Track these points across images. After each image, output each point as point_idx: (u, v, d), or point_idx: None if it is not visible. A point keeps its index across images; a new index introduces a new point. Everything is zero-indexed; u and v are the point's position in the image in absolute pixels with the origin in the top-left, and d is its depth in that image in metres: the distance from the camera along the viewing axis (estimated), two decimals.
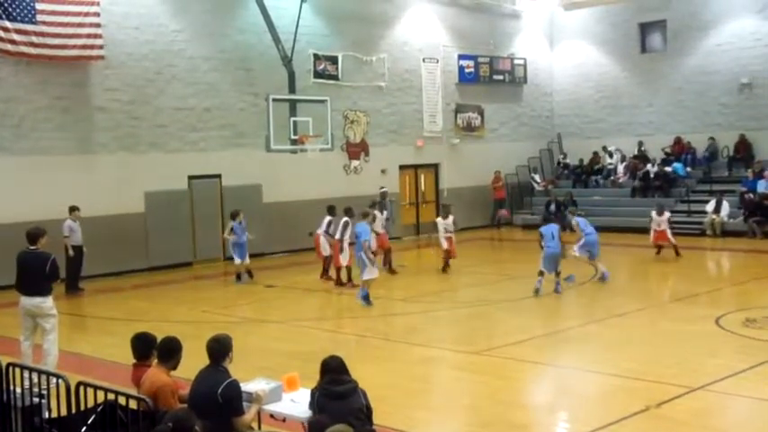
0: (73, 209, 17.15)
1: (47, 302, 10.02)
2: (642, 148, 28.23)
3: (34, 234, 10.08)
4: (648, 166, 27.02)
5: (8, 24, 17.65)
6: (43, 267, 9.90)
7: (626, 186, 27.49)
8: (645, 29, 29.08)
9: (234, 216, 17.79)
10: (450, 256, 18.41)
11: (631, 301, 14.97)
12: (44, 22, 18.16)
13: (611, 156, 28.90)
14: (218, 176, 21.62)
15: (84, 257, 17.27)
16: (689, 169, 26.74)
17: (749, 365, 9.90)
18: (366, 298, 14.54)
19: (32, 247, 10.07)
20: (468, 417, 8.81)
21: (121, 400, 6.01)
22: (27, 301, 10.03)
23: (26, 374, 6.74)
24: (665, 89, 28.29)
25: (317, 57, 23.63)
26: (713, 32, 27.00)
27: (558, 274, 15.28)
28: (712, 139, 26.91)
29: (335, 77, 24.14)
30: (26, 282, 10.07)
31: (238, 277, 18.06)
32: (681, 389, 9.00)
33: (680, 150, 27.47)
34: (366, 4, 25.07)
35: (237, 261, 17.87)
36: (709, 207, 24.17)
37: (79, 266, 17.32)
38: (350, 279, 16.76)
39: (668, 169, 26.56)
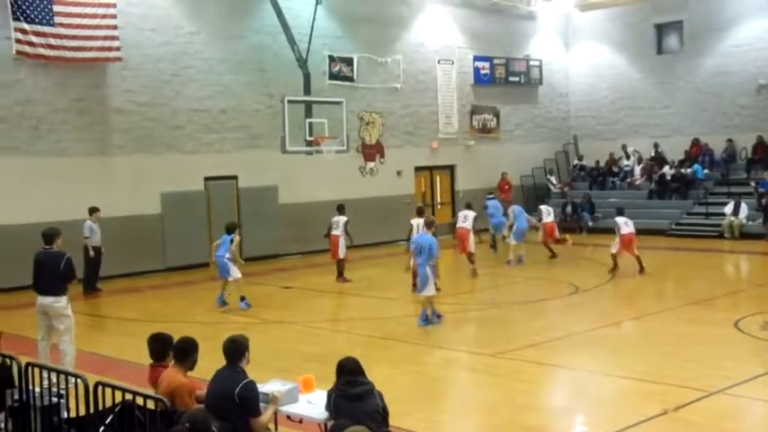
0: (93, 210, 17.26)
1: (60, 302, 10.03)
2: (659, 150, 28.08)
3: (50, 234, 10.16)
4: (665, 168, 26.88)
5: (26, 26, 17.79)
6: (57, 267, 9.94)
7: (643, 188, 27.36)
8: (661, 30, 28.94)
9: (233, 229, 15.27)
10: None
11: (649, 303, 14.89)
12: (62, 24, 18.29)
13: (628, 157, 28.77)
14: (235, 178, 21.70)
15: (102, 258, 17.38)
16: (706, 171, 26.57)
17: None
18: (430, 320, 13.19)
19: (47, 247, 10.13)
20: (484, 419, 8.79)
21: (139, 401, 6.03)
22: (41, 300, 10.10)
23: (45, 374, 6.78)
24: (681, 90, 28.13)
25: (332, 58, 23.68)
26: (731, 33, 26.83)
27: None
28: (730, 140, 26.74)
29: (351, 79, 24.18)
30: (41, 281, 10.12)
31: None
32: (699, 392, 8.93)
33: (697, 152, 27.30)
34: (381, 5, 25.08)
35: (238, 275, 15.09)
36: (728, 209, 24.02)
37: (98, 267, 17.43)
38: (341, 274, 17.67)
39: (688, 171, 26.39)
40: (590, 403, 9.22)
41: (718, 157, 26.97)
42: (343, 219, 17.68)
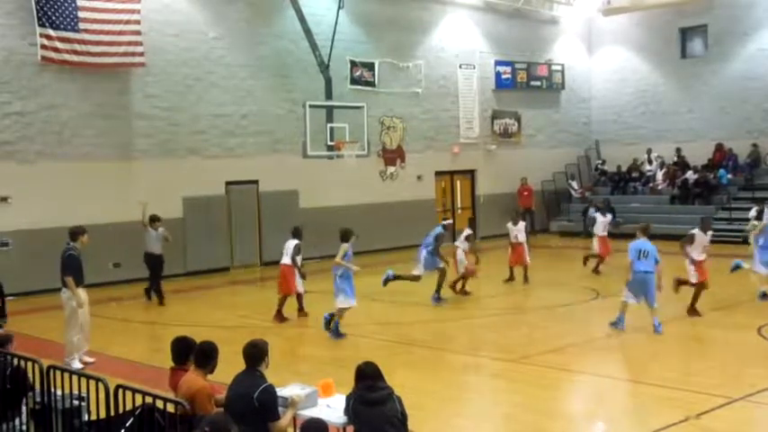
0: (153, 219, 16.64)
1: (65, 293, 11.20)
2: (681, 155, 27.86)
3: (72, 232, 11.36)
4: (688, 174, 26.66)
5: (51, 32, 18.00)
6: (61, 262, 11.20)
7: (665, 193, 27.16)
8: (685, 34, 28.73)
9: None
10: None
11: (671, 309, 14.73)
12: (86, 30, 18.48)
13: (650, 162, 28.56)
14: (256, 182, 21.80)
15: (160, 266, 16.68)
16: (729, 176, 26.33)
17: None
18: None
19: (71, 244, 11.26)
20: (504, 425, 8.75)
21: (159, 404, 6.07)
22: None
23: (66, 377, 6.85)
24: (705, 95, 27.89)
25: (353, 63, 23.75)
26: (756, 37, 26.59)
27: None
28: (755, 145, 26.47)
29: (372, 84, 24.23)
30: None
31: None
32: (721, 399, 8.84)
33: (721, 157, 27.05)
34: (403, 10, 25.11)
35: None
36: (751, 214, 23.74)
37: (154, 274, 16.68)
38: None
39: (714, 175, 26.13)
40: (611, 409, 9.15)
41: (742, 161, 26.72)
42: (292, 243, 14.23)
